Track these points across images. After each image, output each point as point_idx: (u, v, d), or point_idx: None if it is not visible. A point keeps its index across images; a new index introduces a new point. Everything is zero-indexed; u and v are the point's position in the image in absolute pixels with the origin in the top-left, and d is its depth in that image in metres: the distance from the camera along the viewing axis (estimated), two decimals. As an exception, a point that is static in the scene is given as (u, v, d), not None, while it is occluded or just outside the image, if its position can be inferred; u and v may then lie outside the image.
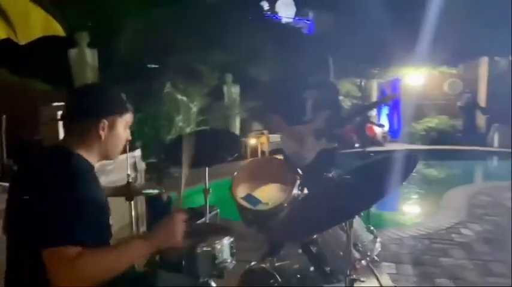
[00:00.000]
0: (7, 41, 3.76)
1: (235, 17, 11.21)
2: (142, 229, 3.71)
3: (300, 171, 2.19)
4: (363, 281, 1.65)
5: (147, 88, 8.36)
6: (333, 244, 1.88)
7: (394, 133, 13.76)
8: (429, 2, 8.71)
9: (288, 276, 2.01)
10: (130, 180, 2.84)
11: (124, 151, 2.07)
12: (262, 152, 10.47)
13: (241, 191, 2.17)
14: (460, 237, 4.36)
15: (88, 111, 1.54)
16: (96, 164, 1.58)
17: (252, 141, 10.52)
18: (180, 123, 8.65)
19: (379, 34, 10.25)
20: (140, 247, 1.45)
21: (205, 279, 1.93)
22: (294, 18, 16.78)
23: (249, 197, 2.13)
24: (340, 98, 4.05)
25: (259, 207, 2.09)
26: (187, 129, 8.92)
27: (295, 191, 2.09)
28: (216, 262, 1.91)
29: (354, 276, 1.58)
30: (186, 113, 8.83)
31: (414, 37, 9.04)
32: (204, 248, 1.94)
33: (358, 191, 1.48)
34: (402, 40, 9.78)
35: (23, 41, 3.74)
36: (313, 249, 1.95)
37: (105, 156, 1.60)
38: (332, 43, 8.82)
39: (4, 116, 4.96)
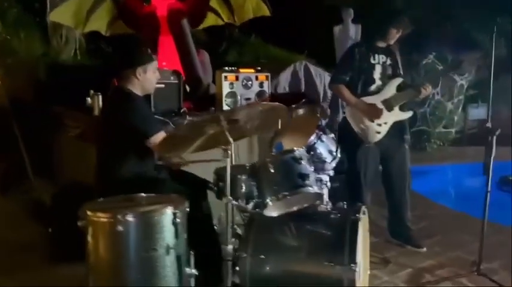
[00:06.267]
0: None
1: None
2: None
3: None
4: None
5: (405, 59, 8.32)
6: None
7: None
8: None
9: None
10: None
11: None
12: None
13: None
14: None
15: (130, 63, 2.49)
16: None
17: None
18: (438, 97, 8.22)
19: None
20: None
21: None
22: None
23: (279, 145, 2.46)
24: None
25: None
26: (449, 104, 8.38)
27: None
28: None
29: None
30: (448, 86, 8.27)
31: None
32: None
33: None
34: None
35: (238, 22, 4.91)
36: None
37: (145, 90, 2.55)
38: None
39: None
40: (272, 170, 1.97)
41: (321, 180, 2.16)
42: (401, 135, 3.29)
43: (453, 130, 8.42)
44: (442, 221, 4.14)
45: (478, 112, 8.74)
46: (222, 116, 1.81)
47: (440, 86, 8.29)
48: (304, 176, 1.98)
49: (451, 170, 7.33)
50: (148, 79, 2.50)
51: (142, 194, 2.03)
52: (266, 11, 4.77)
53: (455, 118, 8.37)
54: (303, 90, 5.64)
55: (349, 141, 3.21)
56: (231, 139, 1.86)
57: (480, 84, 8.83)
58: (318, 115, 2.50)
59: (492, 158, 2.62)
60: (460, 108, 8.50)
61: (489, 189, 2.66)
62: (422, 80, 3.37)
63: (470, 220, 3.97)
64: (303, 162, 2.03)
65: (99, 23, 4.83)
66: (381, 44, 3.25)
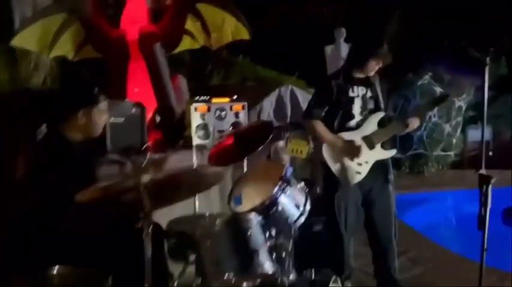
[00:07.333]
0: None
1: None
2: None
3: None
4: None
5: (398, 80, 8.00)
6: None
7: None
8: None
9: None
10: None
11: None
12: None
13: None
14: None
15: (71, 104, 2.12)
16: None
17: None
18: (435, 119, 7.86)
19: None
20: None
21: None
22: None
23: (236, 198, 2.07)
24: None
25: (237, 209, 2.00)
26: (447, 126, 8.01)
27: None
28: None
29: None
30: (446, 108, 7.91)
31: None
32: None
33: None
34: None
35: (215, 46, 4.57)
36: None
37: (88, 135, 2.14)
38: None
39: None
40: (210, 245, 1.58)
41: (281, 246, 1.77)
42: (384, 175, 2.90)
43: (452, 153, 8.06)
44: (438, 266, 3.73)
45: (478, 134, 8.37)
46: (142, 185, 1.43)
47: (437, 108, 7.94)
48: (252, 252, 1.59)
49: (450, 197, 6.92)
50: (93, 124, 2.11)
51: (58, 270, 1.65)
52: (246, 35, 4.43)
53: (454, 141, 8.01)
54: (289, 116, 5.30)
55: (326, 182, 2.84)
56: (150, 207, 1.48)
57: (480, 105, 8.43)
58: (283, 163, 2.12)
59: (488, 210, 2.23)
60: (459, 131, 8.15)
61: (485, 247, 2.25)
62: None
63: (470, 265, 3.56)
64: (252, 231, 1.64)
65: (66, 47, 4.50)
66: (360, 75, 2.89)
